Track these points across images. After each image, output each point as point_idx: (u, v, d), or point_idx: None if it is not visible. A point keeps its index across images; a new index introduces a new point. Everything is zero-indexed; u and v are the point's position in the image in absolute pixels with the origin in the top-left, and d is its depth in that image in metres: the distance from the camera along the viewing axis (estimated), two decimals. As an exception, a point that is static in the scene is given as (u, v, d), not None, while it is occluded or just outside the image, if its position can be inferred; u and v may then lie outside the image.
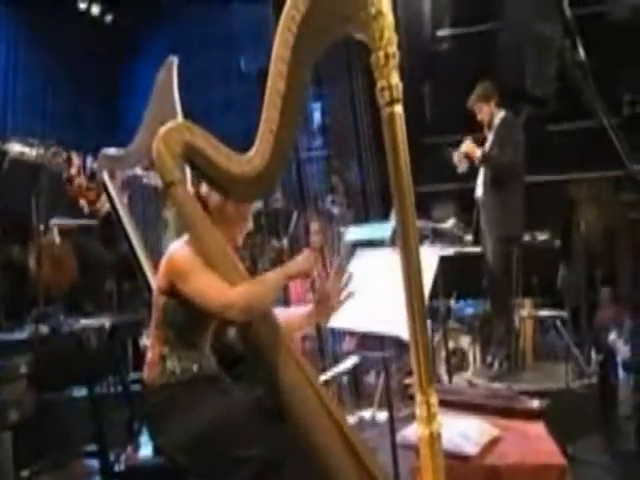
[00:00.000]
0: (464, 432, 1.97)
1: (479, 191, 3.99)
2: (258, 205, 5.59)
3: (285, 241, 4.03)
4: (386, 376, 2.42)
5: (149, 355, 1.73)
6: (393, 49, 1.18)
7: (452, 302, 4.17)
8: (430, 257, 2.23)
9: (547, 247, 4.01)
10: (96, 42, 6.91)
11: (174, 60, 2.57)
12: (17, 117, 6.14)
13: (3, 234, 3.64)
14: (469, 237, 4.19)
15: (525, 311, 4.06)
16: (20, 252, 3.71)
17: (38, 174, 3.39)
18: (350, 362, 2.36)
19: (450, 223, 4.25)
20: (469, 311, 4.21)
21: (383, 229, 3.47)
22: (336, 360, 2.60)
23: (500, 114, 3.96)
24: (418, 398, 1.21)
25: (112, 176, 2.89)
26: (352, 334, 3.22)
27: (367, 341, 2.91)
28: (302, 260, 1.65)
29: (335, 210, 4.48)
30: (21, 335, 3.04)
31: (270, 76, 1.44)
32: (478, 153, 3.83)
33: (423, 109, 5.74)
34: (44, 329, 3.06)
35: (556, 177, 4.96)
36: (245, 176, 1.56)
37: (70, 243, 3.97)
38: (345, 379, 2.76)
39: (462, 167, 3.89)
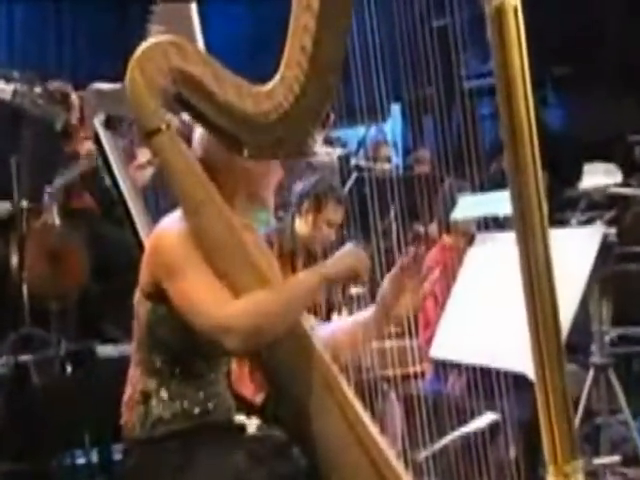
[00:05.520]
0: None
1: None
2: (389, 167, 5.80)
3: (434, 224, 3.75)
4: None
5: (128, 391, 1.68)
6: None
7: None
8: (582, 244, 2.13)
9: None
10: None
11: None
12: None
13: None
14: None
15: None
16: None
17: (18, 123, 3.26)
18: (484, 420, 2.26)
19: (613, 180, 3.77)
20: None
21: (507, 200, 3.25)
22: (435, 409, 2.36)
23: None
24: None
25: (111, 124, 2.80)
26: (460, 369, 2.99)
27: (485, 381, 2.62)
28: (348, 256, 1.60)
29: None
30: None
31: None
32: None
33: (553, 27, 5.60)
34: (27, 361, 2.97)
35: None
36: (265, 118, 1.53)
37: (78, 227, 3.77)
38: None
39: None
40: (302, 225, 2.91)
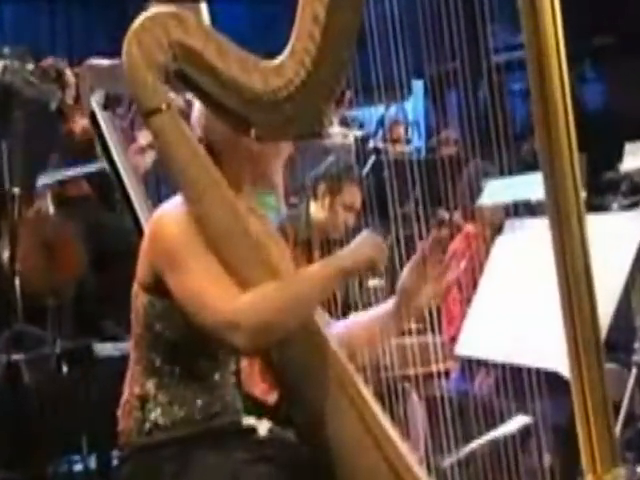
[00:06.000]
0: None
1: None
2: (406, 149, 5.80)
3: (458, 211, 3.75)
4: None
5: (125, 393, 1.69)
6: None
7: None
8: (624, 230, 2.16)
9: None
10: None
11: None
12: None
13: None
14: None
15: None
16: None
17: (9, 103, 3.26)
18: (515, 424, 2.25)
19: None
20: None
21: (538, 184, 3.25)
22: (461, 411, 2.35)
23: None
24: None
25: (109, 104, 2.83)
26: (489, 368, 3.00)
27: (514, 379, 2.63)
28: (364, 245, 1.59)
29: None
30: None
31: None
32: None
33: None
34: (20, 360, 2.96)
35: None
36: (274, 95, 1.53)
37: (74, 216, 3.79)
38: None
39: None
40: (318, 210, 2.92)
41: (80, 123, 3.75)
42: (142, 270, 1.63)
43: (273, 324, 1.50)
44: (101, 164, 3.28)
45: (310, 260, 2.77)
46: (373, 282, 2.80)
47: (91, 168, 3.59)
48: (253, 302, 1.50)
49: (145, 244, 1.63)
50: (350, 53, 1.52)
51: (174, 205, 1.62)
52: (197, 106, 1.66)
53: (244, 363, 2.22)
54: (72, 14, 7.75)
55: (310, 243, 2.88)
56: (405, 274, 1.70)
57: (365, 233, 1.62)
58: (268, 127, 1.56)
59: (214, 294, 1.50)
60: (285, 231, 2.65)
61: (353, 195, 2.91)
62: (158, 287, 1.58)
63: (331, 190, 2.88)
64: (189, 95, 1.97)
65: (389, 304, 1.74)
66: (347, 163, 3.14)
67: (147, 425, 1.63)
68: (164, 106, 1.54)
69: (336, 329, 1.72)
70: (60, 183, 3.78)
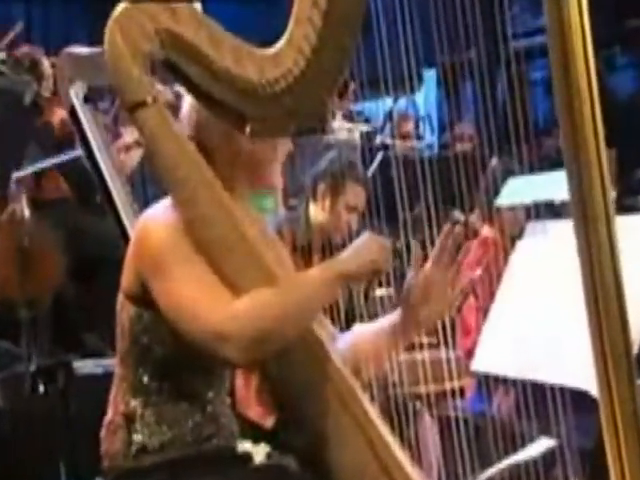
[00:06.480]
0: None
1: None
2: (415, 144, 5.82)
3: (475, 213, 3.76)
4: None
5: (109, 413, 1.69)
6: None
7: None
8: None
9: None
10: None
11: None
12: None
13: None
14: None
15: None
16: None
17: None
18: (538, 448, 2.24)
19: None
20: None
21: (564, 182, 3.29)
22: (478, 433, 2.40)
23: None
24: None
25: (91, 97, 2.83)
26: (508, 385, 2.99)
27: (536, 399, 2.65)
28: (366, 247, 1.59)
29: None
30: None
31: None
32: None
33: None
34: None
35: None
36: (271, 87, 1.53)
37: (52, 220, 3.86)
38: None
39: None
40: (318, 212, 2.91)
41: (58, 113, 3.77)
42: (128, 279, 1.64)
43: (269, 333, 1.50)
44: (77, 152, 3.31)
45: (310, 267, 2.78)
46: (380, 291, 2.80)
47: (67, 157, 3.60)
48: (247, 309, 1.50)
49: (130, 251, 1.63)
50: (354, 40, 1.52)
51: (162, 208, 1.62)
52: (188, 100, 1.66)
53: (239, 382, 2.22)
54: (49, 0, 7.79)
55: (310, 248, 2.88)
56: (412, 281, 1.68)
57: (367, 234, 1.62)
58: (265, 122, 1.56)
59: (204, 303, 1.50)
60: (283, 235, 2.66)
61: (357, 195, 2.89)
62: (145, 298, 1.59)
63: (332, 190, 2.86)
64: (178, 87, 1.97)
65: (393, 317, 1.73)
66: (350, 159, 3.13)
67: (134, 448, 1.63)
68: (150, 99, 1.54)
69: (339, 342, 1.72)
70: (36, 182, 3.78)
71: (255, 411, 2.36)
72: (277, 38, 1.54)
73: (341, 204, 2.86)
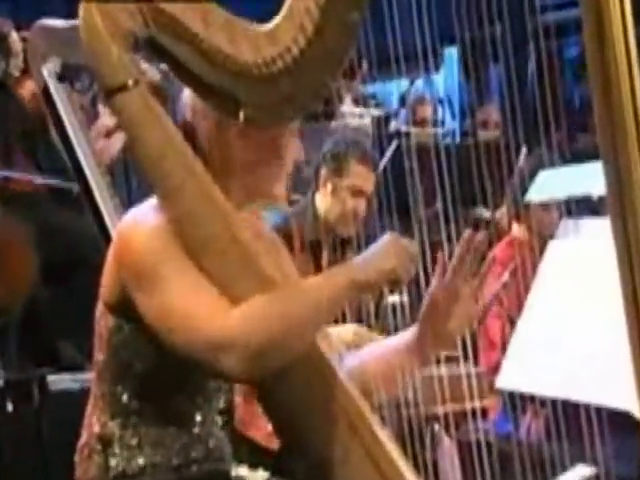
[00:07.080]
0: None
1: None
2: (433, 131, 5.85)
3: (502, 209, 3.81)
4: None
5: (83, 435, 1.71)
6: None
7: None
8: None
9: None
10: None
11: None
12: None
13: None
14: None
15: None
16: None
17: None
18: (574, 476, 2.21)
19: None
20: None
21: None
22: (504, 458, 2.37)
23: None
24: None
25: (66, 75, 2.85)
26: (537, 405, 3.02)
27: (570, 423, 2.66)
28: (386, 252, 1.59)
29: None
30: None
31: None
32: None
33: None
34: None
35: None
36: (267, 68, 1.55)
37: (21, 216, 3.82)
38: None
39: None
40: (321, 199, 2.88)
41: (30, 87, 3.78)
42: (108, 287, 1.65)
43: (272, 343, 1.51)
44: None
45: (320, 267, 2.77)
46: (392, 298, 2.79)
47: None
48: (246, 317, 1.51)
49: (110, 257, 1.65)
50: (361, 13, 1.52)
51: (146, 209, 1.64)
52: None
53: (238, 400, 2.23)
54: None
55: (320, 243, 2.85)
56: (431, 291, 1.69)
57: (389, 235, 1.61)
58: (261, 107, 1.57)
59: (200, 312, 1.52)
60: (288, 233, 2.64)
61: (362, 176, 2.83)
62: (127, 309, 1.60)
63: (334, 171, 2.83)
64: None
65: (409, 334, 1.74)
66: (353, 138, 3.08)
67: (111, 474, 1.65)
68: (131, 82, 1.55)
69: (347, 360, 1.74)
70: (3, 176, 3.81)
71: (262, 432, 2.36)
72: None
73: (345, 187, 2.82)
